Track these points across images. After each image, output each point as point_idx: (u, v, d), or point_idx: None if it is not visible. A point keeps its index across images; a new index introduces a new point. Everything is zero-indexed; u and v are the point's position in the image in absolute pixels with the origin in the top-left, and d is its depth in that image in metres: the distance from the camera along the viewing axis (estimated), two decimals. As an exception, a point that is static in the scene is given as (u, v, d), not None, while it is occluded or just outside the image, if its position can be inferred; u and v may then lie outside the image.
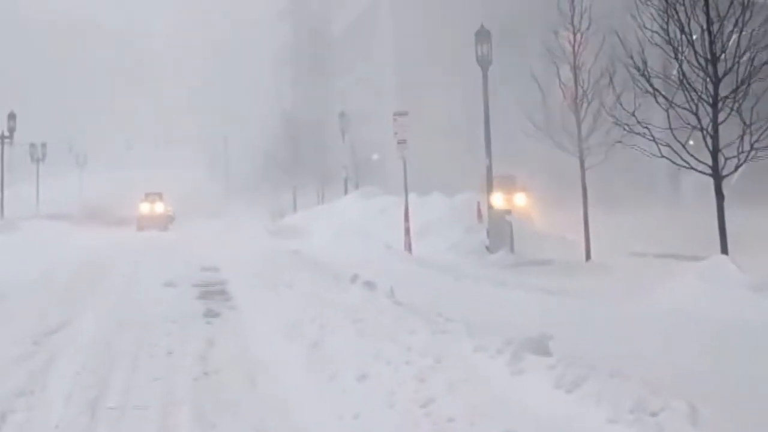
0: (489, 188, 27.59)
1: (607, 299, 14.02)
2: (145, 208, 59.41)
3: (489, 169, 27.63)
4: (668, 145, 17.20)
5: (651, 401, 7.19)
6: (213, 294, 18.82)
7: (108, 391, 10.08)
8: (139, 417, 8.96)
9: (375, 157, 61.84)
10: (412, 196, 29.19)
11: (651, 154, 17.79)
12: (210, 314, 15.92)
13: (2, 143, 57.08)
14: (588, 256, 24.14)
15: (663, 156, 17.24)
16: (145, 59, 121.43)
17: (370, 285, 15.65)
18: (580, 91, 23.79)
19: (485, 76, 27.97)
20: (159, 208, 59.58)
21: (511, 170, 34.74)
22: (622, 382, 7.74)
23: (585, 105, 23.62)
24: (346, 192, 52.12)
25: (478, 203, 29.21)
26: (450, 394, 8.65)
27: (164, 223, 56.82)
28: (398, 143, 28.34)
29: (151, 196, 60.53)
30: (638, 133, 17.86)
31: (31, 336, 13.59)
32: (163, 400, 9.61)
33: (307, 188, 63.34)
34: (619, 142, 20.00)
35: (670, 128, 17.06)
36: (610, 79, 20.58)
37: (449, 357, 9.82)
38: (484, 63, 28.07)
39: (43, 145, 75.56)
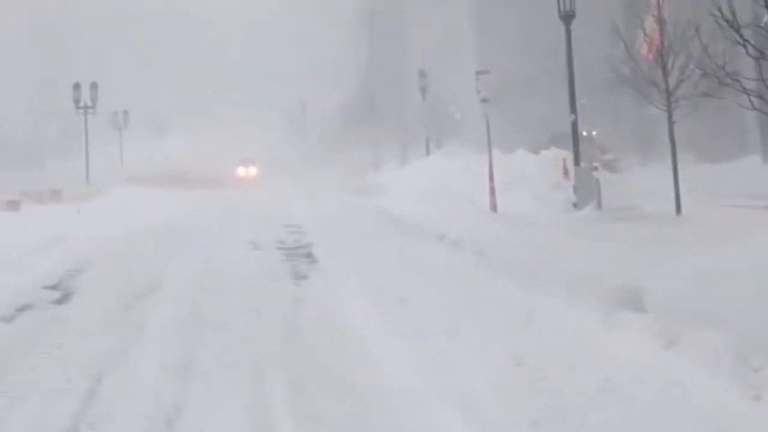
0: (575, 144, 27.21)
1: (701, 252, 13.71)
2: (242, 170, 76.57)
3: (574, 124, 27.22)
4: (760, 96, 16.71)
5: (752, 357, 7.01)
6: (298, 255, 18.82)
7: (199, 352, 10.11)
8: (231, 378, 8.96)
9: (457, 116, 61.49)
10: (495, 154, 28.94)
11: (742, 105, 17.31)
12: (296, 276, 15.94)
13: (86, 113, 58.72)
14: (678, 209, 23.70)
15: (755, 108, 16.75)
16: (221, 23, 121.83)
17: (457, 243, 15.60)
18: (666, 44, 23.31)
19: (568, 31, 27.48)
20: (252, 170, 76.52)
21: (594, 125, 34.24)
22: (721, 336, 7.55)
23: (671, 57, 23.14)
24: (428, 152, 51.83)
25: (564, 160, 28.86)
26: (544, 349, 8.56)
27: (256, 181, 69.52)
28: (481, 101, 28.15)
29: (246, 160, 77.42)
30: (727, 85, 17.38)
31: (122, 301, 13.71)
32: (255, 362, 9.61)
33: (386, 148, 63.25)
34: (707, 94, 19.53)
35: (762, 79, 16.55)
36: (696, 30, 20.09)
37: (542, 313, 9.72)
38: (567, 18, 27.60)
39: (125, 113, 77.62)
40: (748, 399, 6.57)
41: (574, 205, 26.11)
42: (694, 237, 16.92)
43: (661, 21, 23.74)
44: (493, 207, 26.96)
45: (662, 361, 7.60)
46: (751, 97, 16.65)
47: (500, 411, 7.35)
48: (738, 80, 16.84)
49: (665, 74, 23.49)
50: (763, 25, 16.56)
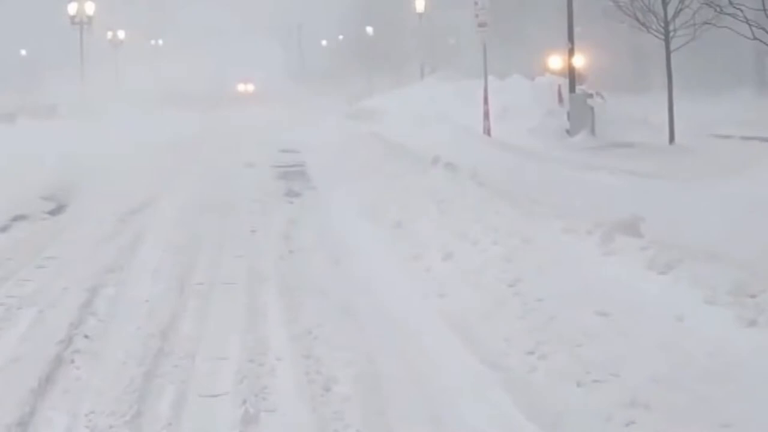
0: (571, 71, 26.99)
1: (694, 182, 13.71)
2: (241, 86, 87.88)
3: (571, 51, 27.00)
4: (761, 27, 16.57)
5: (750, 283, 6.98)
6: (293, 175, 18.87)
7: (194, 267, 10.15)
8: (226, 293, 8.99)
9: (452, 41, 60.97)
10: (491, 80, 28.67)
11: (741, 35, 17.19)
12: (291, 194, 15.99)
13: (81, 29, 58.23)
14: (672, 139, 23.65)
15: (755, 38, 16.63)
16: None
17: (452, 166, 15.43)
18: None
19: (567, -45, 27.16)
20: (250, 87, 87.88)
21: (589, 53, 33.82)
22: (718, 264, 7.53)
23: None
24: (422, 76, 51.50)
25: (559, 86, 28.62)
26: (539, 274, 8.51)
27: (253, 97, 75.44)
28: (478, 26, 27.64)
29: (245, 78, 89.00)
30: (728, 14, 17.25)
31: (117, 214, 13.74)
32: (250, 277, 9.64)
33: (382, 73, 62.78)
34: (707, 23, 19.44)
35: (764, 9, 16.41)
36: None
37: (537, 238, 9.65)
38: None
39: (121, 33, 77.05)
40: (744, 324, 6.56)
41: (567, 131, 26.04)
42: (684, 168, 16.91)
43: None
44: (487, 131, 26.81)
45: (658, 286, 7.58)
46: (752, 27, 16.56)
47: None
48: (740, 9, 16.72)
49: (664, 2, 23.25)
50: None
